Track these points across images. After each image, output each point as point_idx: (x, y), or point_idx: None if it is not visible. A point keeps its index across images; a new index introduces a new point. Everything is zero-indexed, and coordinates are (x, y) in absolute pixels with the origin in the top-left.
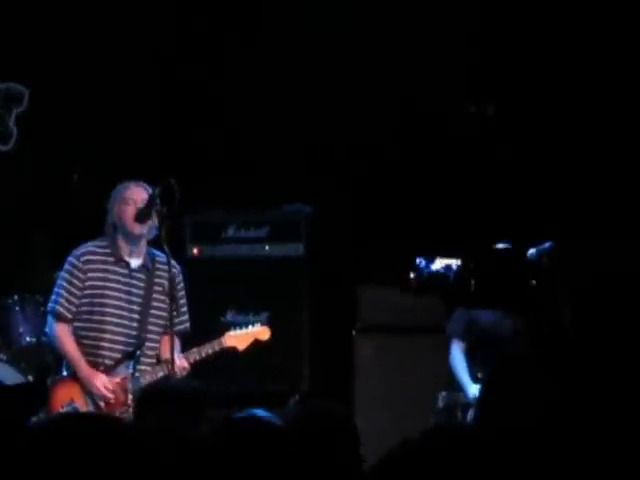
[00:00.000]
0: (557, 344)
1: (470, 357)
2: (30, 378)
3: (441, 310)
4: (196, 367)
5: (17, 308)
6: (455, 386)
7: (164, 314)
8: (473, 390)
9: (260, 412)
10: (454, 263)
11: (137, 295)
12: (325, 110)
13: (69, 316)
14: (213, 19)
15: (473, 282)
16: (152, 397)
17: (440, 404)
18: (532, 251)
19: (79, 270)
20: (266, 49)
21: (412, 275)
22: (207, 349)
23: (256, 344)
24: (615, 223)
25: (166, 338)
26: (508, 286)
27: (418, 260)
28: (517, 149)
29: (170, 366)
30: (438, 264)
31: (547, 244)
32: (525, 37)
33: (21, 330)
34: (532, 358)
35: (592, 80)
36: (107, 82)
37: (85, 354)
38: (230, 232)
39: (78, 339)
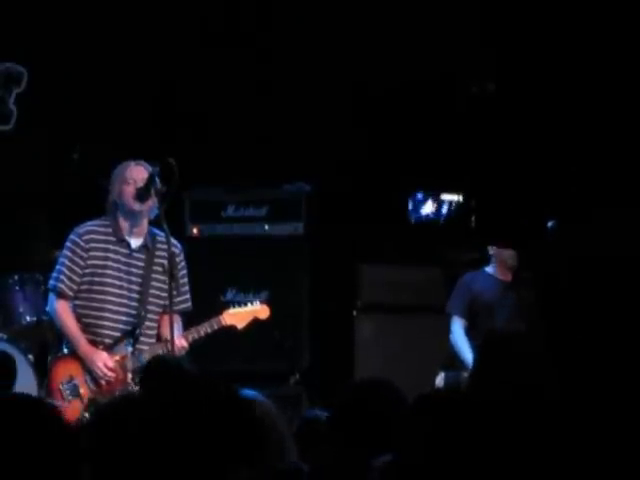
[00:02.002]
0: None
1: (472, 334)
2: (31, 357)
3: (442, 288)
4: (196, 346)
5: (17, 287)
6: (457, 365)
7: (164, 293)
8: None
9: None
10: (448, 201)
11: (137, 275)
12: (324, 89)
13: (70, 294)
14: None
15: (474, 219)
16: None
17: (440, 384)
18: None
19: (81, 249)
20: (266, 28)
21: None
22: (206, 328)
23: (256, 322)
24: (616, 200)
25: (166, 317)
26: (509, 224)
27: (409, 204)
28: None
29: (169, 345)
30: (429, 207)
31: (550, 223)
32: (526, 16)
33: (21, 309)
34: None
35: (593, 61)
36: (106, 61)
37: (85, 332)
38: (230, 211)
39: (79, 317)
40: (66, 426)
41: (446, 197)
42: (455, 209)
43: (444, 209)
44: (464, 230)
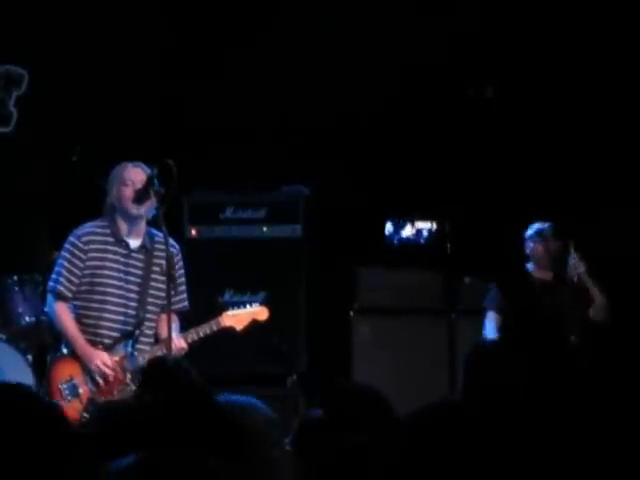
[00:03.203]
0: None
1: (508, 330)
2: (29, 357)
3: (439, 291)
4: (194, 347)
5: (16, 288)
6: None
7: (162, 294)
8: None
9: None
10: (425, 228)
11: (136, 275)
12: (323, 92)
13: (69, 295)
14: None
15: (449, 246)
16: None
17: None
18: (531, 231)
19: (80, 250)
20: (263, 32)
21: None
22: (205, 329)
23: (254, 324)
24: (614, 204)
25: (164, 318)
26: (485, 251)
27: (387, 227)
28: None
29: (168, 346)
30: (408, 230)
31: (546, 225)
32: (524, 20)
33: (20, 310)
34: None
35: (591, 62)
36: (106, 63)
37: (84, 333)
38: (228, 213)
39: (78, 318)
40: (54, 414)
41: (421, 225)
42: (433, 235)
43: (424, 233)
44: (442, 255)
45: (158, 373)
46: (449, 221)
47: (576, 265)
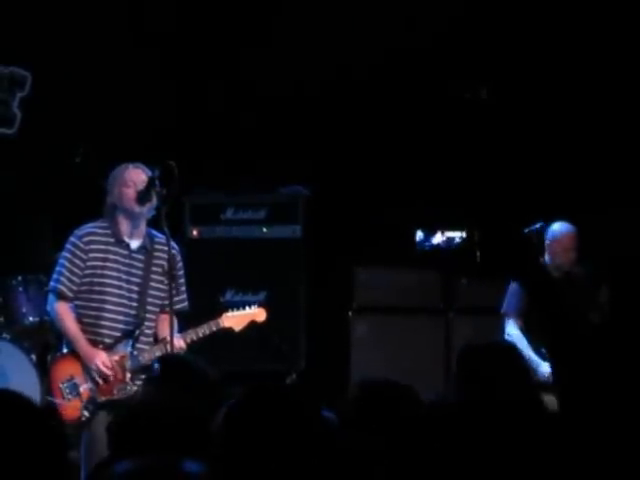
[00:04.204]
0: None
1: (530, 333)
2: (33, 357)
3: (436, 290)
4: (194, 347)
5: (20, 288)
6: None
7: (162, 294)
8: (545, 368)
9: None
10: (457, 236)
11: (136, 275)
12: (321, 93)
13: (70, 295)
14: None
15: (478, 254)
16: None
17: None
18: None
19: (81, 250)
20: (267, 35)
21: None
22: (204, 329)
23: (254, 324)
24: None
25: (164, 317)
26: (515, 258)
27: (418, 234)
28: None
29: (168, 345)
30: (439, 237)
31: (538, 224)
32: (519, 20)
33: (24, 310)
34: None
35: (586, 62)
36: (108, 65)
37: (85, 332)
38: (229, 214)
39: (79, 317)
40: (48, 418)
41: (451, 233)
42: (463, 242)
43: (455, 240)
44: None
45: (175, 369)
46: (478, 229)
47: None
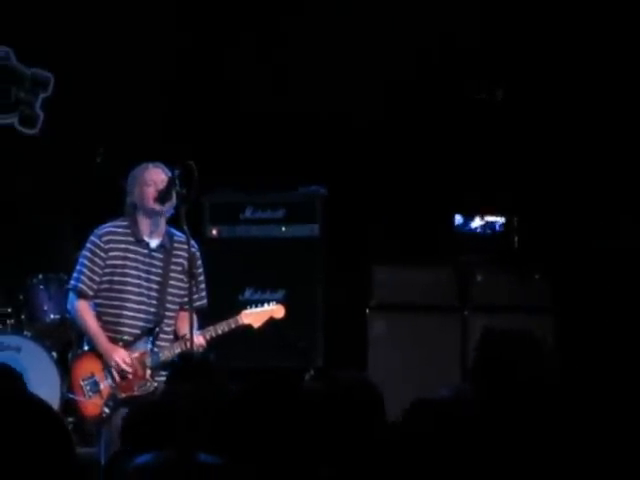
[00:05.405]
0: None
1: None
2: (54, 354)
3: (452, 288)
4: (213, 343)
5: (42, 287)
6: None
7: (181, 292)
8: None
9: None
10: (498, 221)
11: (155, 274)
12: (339, 92)
13: (90, 293)
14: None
15: (516, 239)
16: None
17: None
18: None
19: (101, 249)
20: (280, 30)
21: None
22: (223, 326)
23: (273, 321)
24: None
25: (183, 315)
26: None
27: (457, 218)
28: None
29: (188, 343)
30: (477, 222)
31: None
32: (535, 22)
33: (45, 308)
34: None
35: (601, 64)
36: (129, 66)
37: (105, 330)
38: (248, 213)
39: (99, 316)
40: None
41: (490, 218)
42: (502, 227)
43: (496, 226)
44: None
45: (191, 366)
46: (516, 215)
47: None
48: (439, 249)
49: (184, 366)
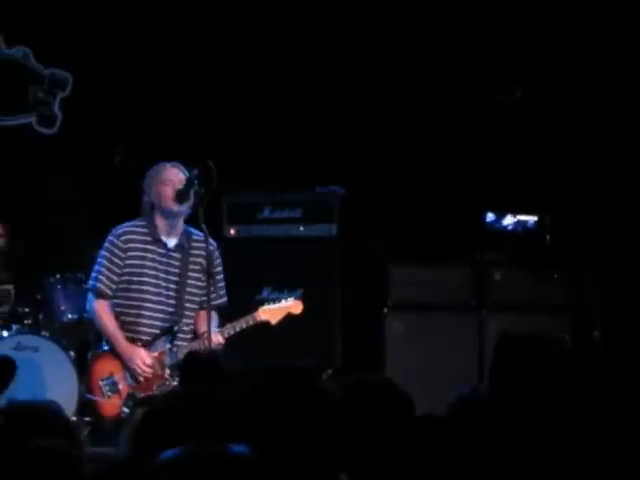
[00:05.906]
0: None
1: None
2: (72, 354)
3: (469, 287)
4: (230, 342)
5: (59, 286)
6: None
7: (200, 291)
8: None
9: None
10: (530, 220)
11: (174, 273)
12: (358, 90)
13: (109, 293)
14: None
15: (548, 237)
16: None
17: None
18: None
19: (119, 249)
20: (300, 31)
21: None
22: (241, 324)
23: (291, 321)
24: None
25: (202, 313)
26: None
27: (488, 215)
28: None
29: (206, 341)
30: (509, 219)
31: None
32: (554, 22)
33: (63, 307)
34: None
35: (618, 65)
36: (146, 67)
37: (124, 330)
38: (266, 213)
39: (117, 315)
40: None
41: (522, 216)
42: (535, 227)
43: (529, 224)
44: (541, 247)
45: (196, 366)
46: (548, 213)
47: None
48: (465, 246)
49: (189, 366)
